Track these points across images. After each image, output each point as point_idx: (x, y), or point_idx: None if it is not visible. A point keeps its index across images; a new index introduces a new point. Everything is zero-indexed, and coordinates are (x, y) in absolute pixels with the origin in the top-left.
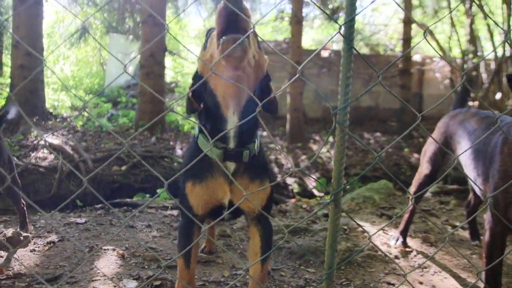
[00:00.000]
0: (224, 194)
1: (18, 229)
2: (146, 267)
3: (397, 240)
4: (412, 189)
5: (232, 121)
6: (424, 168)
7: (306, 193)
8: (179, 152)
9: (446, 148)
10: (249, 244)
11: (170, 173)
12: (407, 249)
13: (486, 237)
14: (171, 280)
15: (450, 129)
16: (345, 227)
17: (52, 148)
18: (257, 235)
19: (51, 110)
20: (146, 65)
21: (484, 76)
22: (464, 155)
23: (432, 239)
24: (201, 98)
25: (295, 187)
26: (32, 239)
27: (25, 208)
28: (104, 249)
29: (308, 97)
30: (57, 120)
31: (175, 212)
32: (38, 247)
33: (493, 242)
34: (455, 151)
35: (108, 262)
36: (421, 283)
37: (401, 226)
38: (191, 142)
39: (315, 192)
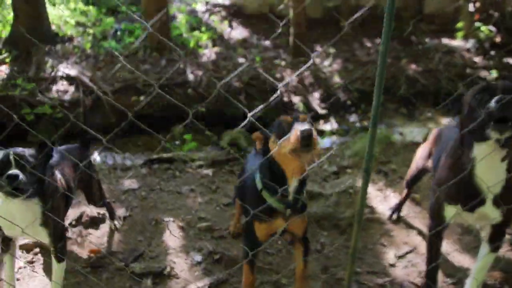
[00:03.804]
0: (280, 226)
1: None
2: (202, 238)
3: (392, 213)
4: (407, 177)
5: (293, 185)
6: (414, 167)
7: (310, 111)
8: (190, 77)
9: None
10: (295, 252)
11: (186, 101)
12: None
13: (427, 239)
14: (227, 254)
15: (433, 137)
16: (351, 190)
17: (71, 80)
18: (301, 247)
19: (56, 31)
20: None
21: None
22: (434, 156)
23: (419, 199)
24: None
25: (300, 106)
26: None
27: (110, 204)
28: (166, 221)
29: None
30: (66, 43)
31: (210, 172)
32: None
33: (431, 243)
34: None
35: (172, 235)
36: (406, 243)
37: (396, 205)
38: (251, 188)
39: (319, 110)
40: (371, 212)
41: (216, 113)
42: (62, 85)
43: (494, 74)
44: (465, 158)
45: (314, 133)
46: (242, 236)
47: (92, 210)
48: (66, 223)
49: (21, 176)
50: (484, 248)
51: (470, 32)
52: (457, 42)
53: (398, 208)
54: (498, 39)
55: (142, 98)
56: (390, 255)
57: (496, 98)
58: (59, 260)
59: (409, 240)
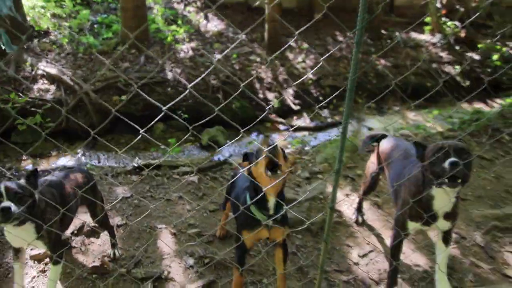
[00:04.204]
0: (264, 235)
1: (112, 246)
2: (193, 243)
3: (357, 217)
4: (362, 187)
5: (272, 202)
6: (367, 180)
7: (284, 107)
8: (169, 75)
9: (381, 167)
10: (276, 256)
11: (166, 101)
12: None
13: (390, 239)
14: (216, 258)
15: (384, 152)
16: (321, 196)
17: (52, 78)
18: (281, 251)
19: (32, 24)
20: None
21: None
22: (391, 178)
23: (380, 203)
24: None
25: (275, 102)
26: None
27: (114, 232)
28: (159, 228)
29: None
30: (43, 39)
31: (195, 179)
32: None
33: (393, 242)
34: (385, 167)
35: (166, 240)
36: (368, 243)
37: (357, 206)
38: (243, 203)
39: (292, 105)
40: (338, 216)
41: (195, 111)
42: (43, 84)
43: (458, 69)
44: (425, 193)
45: (281, 161)
46: (234, 243)
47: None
48: (68, 232)
49: (13, 208)
50: (440, 247)
51: (437, 26)
52: (424, 36)
53: (358, 210)
54: (462, 34)
55: (123, 97)
56: (354, 255)
57: (449, 160)
58: (55, 263)
59: (370, 241)
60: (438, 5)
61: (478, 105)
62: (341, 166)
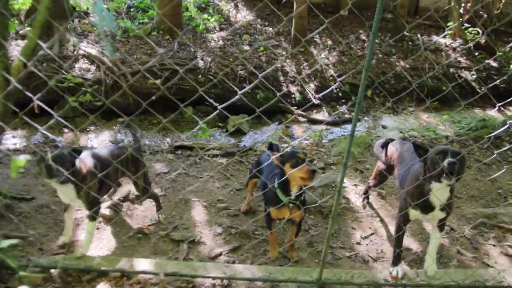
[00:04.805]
0: (286, 214)
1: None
2: (221, 215)
3: (362, 200)
4: (372, 181)
5: (294, 191)
6: (374, 176)
7: (306, 101)
8: (200, 63)
9: (389, 167)
10: (290, 229)
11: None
12: (367, 203)
13: (395, 222)
14: (240, 229)
15: (395, 153)
16: (333, 184)
17: (92, 59)
18: (295, 227)
19: (73, 5)
20: None
21: None
22: (399, 171)
23: (384, 194)
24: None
25: (297, 96)
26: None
27: (158, 198)
28: (193, 200)
29: None
30: (84, 20)
31: (224, 161)
32: (151, 201)
33: (398, 225)
34: (396, 166)
35: (198, 211)
36: (370, 228)
37: (364, 191)
38: (271, 187)
39: (313, 100)
40: (346, 202)
41: (223, 99)
42: (83, 64)
43: (474, 75)
44: (425, 186)
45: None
46: (264, 216)
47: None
48: (115, 198)
49: (54, 167)
50: (434, 233)
51: (458, 32)
52: (445, 40)
53: (365, 194)
54: (483, 41)
55: (158, 81)
56: (357, 236)
57: (447, 160)
58: (91, 220)
59: (372, 226)
60: (461, 10)
61: (491, 112)
62: (348, 159)
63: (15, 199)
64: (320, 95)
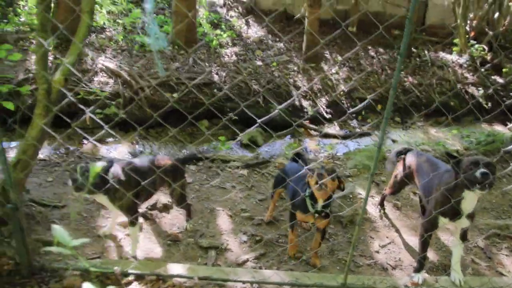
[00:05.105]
0: (311, 219)
1: (186, 220)
2: (245, 224)
3: (379, 210)
4: (388, 190)
5: (320, 203)
6: (392, 185)
7: (317, 115)
8: (215, 77)
9: (407, 176)
10: (315, 238)
11: (212, 100)
12: (383, 213)
13: (421, 228)
14: (264, 237)
15: (413, 164)
16: (350, 195)
17: (110, 72)
18: (319, 235)
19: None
20: None
21: None
22: (420, 181)
23: (399, 205)
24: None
25: (309, 110)
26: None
27: (191, 210)
28: (217, 209)
29: None
30: (100, 35)
31: (245, 173)
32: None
33: (425, 231)
34: (415, 178)
35: (223, 220)
36: (387, 237)
37: (379, 201)
38: (302, 195)
39: (324, 114)
40: (364, 213)
41: (239, 112)
42: (102, 77)
43: (481, 91)
44: (457, 194)
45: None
46: (288, 216)
47: (164, 198)
48: (144, 206)
49: (79, 178)
50: (457, 243)
51: (465, 48)
52: (452, 56)
53: (380, 204)
54: (489, 57)
55: (175, 95)
56: (375, 245)
57: (480, 170)
58: (131, 225)
59: (389, 235)
60: (468, 27)
61: (498, 127)
62: (375, 169)
63: (47, 207)
64: (351, 111)
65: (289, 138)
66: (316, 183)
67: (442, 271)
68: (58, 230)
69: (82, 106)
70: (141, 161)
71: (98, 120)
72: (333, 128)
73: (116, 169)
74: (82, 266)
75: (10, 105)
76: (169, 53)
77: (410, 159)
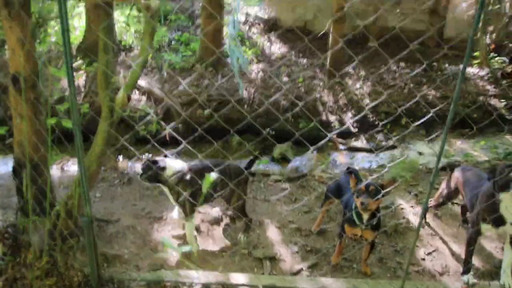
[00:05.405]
0: (358, 232)
1: (242, 232)
2: (294, 235)
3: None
4: (433, 202)
5: (365, 217)
6: (440, 195)
7: (344, 130)
8: (244, 94)
9: (455, 189)
10: (364, 249)
11: (242, 117)
12: (425, 222)
13: (468, 235)
14: (315, 247)
15: (460, 179)
16: (391, 206)
17: (143, 90)
18: (368, 247)
19: (119, 39)
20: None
21: None
22: (467, 194)
23: (439, 215)
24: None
25: (336, 124)
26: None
27: (248, 222)
28: (266, 222)
29: None
30: (127, 52)
31: (287, 186)
32: (229, 224)
33: (470, 238)
34: (462, 190)
35: (272, 232)
36: (431, 245)
37: (422, 212)
38: (350, 205)
39: (351, 128)
40: (407, 222)
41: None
42: (134, 95)
43: (503, 102)
44: (495, 199)
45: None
46: (339, 227)
47: (213, 211)
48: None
49: (140, 172)
50: (508, 249)
51: (485, 61)
52: (473, 69)
53: (424, 214)
54: (509, 70)
55: (205, 112)
56: (421, 253)
57: None
58: (187, 220)
59: (432, 243)
60: (488, 40)
61: None
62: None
63: (101, 221)
64: (383, 122)
65: (316, 152)
66: (362, 204)
67: (487, 277)
68: (166, 240)
69: (163, 123)
70: (203, 163)
71: (177, 136)
72: (360, 142)
73: (176, 167)
74: (149, 277)
75: (69, 124)
76: (198, 70)
77: (457, 174)
